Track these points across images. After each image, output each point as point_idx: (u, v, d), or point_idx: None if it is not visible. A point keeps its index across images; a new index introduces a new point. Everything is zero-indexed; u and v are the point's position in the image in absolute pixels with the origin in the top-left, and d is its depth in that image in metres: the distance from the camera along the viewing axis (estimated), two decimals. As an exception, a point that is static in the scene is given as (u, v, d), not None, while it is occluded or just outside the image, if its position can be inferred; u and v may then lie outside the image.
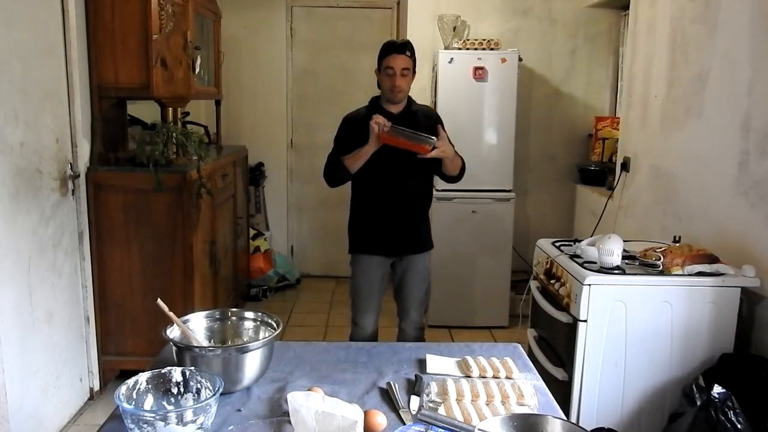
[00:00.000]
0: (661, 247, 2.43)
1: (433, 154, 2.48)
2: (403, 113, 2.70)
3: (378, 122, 2.48)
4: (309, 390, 1.26)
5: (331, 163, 2.70)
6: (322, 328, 4.18)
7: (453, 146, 2.63)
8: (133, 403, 1.21)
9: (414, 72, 2.66)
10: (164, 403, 1.26)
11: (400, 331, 2.84)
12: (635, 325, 2.26)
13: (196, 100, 4.11)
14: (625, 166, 3.53)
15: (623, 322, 2.26)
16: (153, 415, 1.15)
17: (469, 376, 1.47)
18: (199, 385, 1.26)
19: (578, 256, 2.45)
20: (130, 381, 1.23)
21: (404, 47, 2.63)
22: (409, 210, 2.76)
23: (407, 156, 2.52)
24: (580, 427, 1.10)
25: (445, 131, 2.65)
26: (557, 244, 2.69)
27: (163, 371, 1.27)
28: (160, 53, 3.03)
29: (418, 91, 4.49)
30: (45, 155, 2.69)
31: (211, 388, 1.24)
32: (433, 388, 1.40)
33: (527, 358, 1.61)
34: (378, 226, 2.75)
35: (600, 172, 4.24)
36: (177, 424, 1.13)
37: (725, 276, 2.24)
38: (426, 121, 2.69)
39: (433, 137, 2.46)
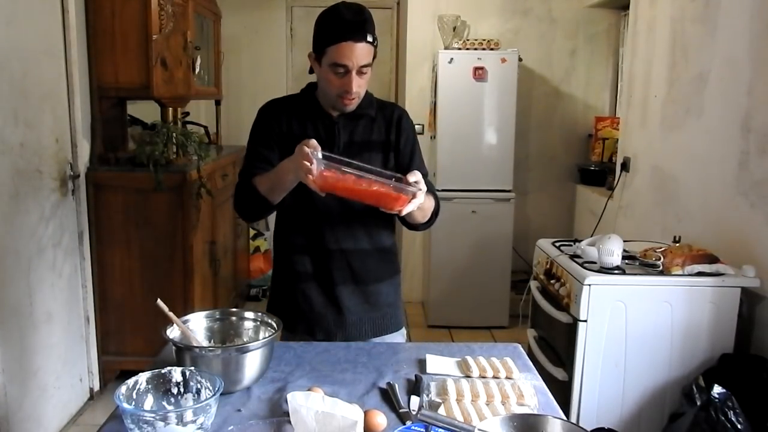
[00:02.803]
0: (661, 247, 2.43)
1: (410, 209, 1.50)
2: (346, 117, 1.71)
3: (305, 157, 1.43)
4: (309, 390, 1.26)
5: (242, 183, 1.70)
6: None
7: (426, 174, 1.66)
8: (133, 403, 1.21)
9: (373, 61, 1.63)
10: (164, 403, 1.25)
11: None
12: (635, 325, 2.26)
13: (196, 100, 4.11)
14: (625, 166, 3.53)
15: (623, 322, 2.26)
16: (153, 415, 1.14)
17: (469, 376, 1.47)
18: (199, 385, 1.26)
19: (578, 256, 2.45)
20: (130, 381, 1.23)
21: (364, 28, 1.57)
22: (362, 273, 1.75)
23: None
24: (580, 427, 1.10)
25: (417, 150, 1.79)
26: (557, 244, 2.69)
27: (163, 371, 1.27)
28: (160, 53, 3.03)
29: (418, 92, 4.50)
30: (45, 155, 2.69)
31: (211, 388, 1.24)
32: (433, 388, 1.40)
33: (527, 358, 1.61)
34: (309, 297, 1.75)
35: (600, 172, 4.24)
36: (177, 424, 1.13)
37: (725, 276, 2.24)
38: (383, 127, 1.75)
39: (411, 180, 1.49)
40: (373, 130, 1.74)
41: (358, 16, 1.58)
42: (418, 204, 1.51)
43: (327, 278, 1.74)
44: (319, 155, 1.43)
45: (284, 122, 1.72)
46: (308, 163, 1.42)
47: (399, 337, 1.84)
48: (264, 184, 1.63)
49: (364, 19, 1.59)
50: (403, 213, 1.50)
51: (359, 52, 1.57)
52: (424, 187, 1.51)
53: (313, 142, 1.47)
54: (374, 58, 1.64)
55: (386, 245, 1.81)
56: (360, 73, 1.60)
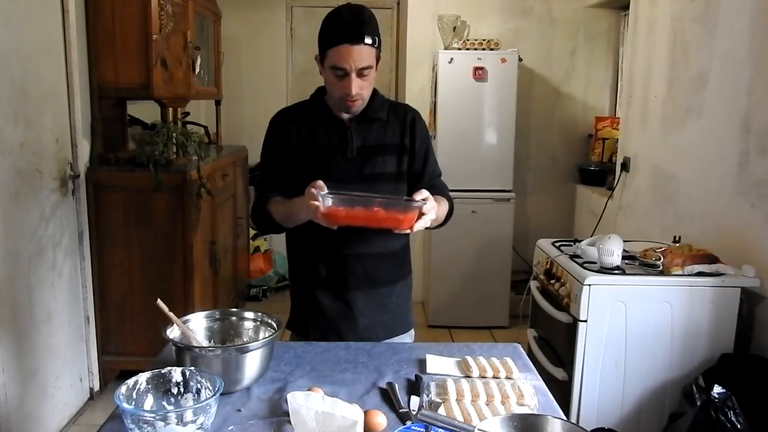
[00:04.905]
0: (661, 247, 2.43)
1: (420, 226, 1.51)
2: (358, 120, 1.71)
3: (312, 197, 1.47)
4: (309, 390, 1.26)
5: (258, 206, 1.74)
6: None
7: (439, 175, 1.82)
8: (133, 403, 1.21)
9: (378, 60, 1.63)
10: (164, 403, 1.25)
11: None
12: (635, 325, 2.26)
13: (196, 100, 4.11)
14: (625, 166, 3.53)
15: (623, 322, 2.26)
16: (153, 415, 1.15)
17: (469, 376, 1.47)
18: (199, 385, 1.26)
19: (578, 256, 2.45)
20: (130, 381, 1.23)
21: (361, 30, 1.56)
22: (376, 277, 1.76)
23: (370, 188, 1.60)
24: (580, 427, 1.10)
25: (430, 152, 1.81)
26: (557, 244, 2.69)
27: (163, 371, 1.27)
28: (160, 53, 3.03)
29: (418, 92, 4.50)
30: (45, 155, 2.69)
31: (211, 388, 1.24)
32: (433, 388, 1.40)
33: (527, 358, 1.61)
34: (322, 303, 1.77)
35: (600, 172, 4.24)
36: (177, 424, 1.13)
37: (725, 276, 2.24)
38: (396, 131, 1.75)
39: (418, 199, 1.50)
40: (387, 133, 1.73)
41: (356, 17, 1.57)
42: (430, 220, 1.52)
43: (341, 283, 1.73)
44: (324, 193, 1.48)
45: (294, 132, 1.71)
46: (315, 203, 1.46)
47: (408, 337, 1.85)
48: (278, 212, 1.68)
49: (362, 20, 1.56)
50: (415, 230, 1.51)
51: (356, 54, 1.55)
52: (432, 204, 1.52)
53: (320, 183, 1.49)
54: (378, 59, 1.62)
55: (400, 248, 1.81)
56: (361, 75, 1.59)
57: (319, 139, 1.70)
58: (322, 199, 1.47)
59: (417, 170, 1.76)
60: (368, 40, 1.56)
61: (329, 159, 1.69)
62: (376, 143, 1.71)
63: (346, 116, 1.71)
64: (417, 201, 1.49)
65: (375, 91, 1.72)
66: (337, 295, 1.74)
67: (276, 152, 1.74)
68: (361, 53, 1.56)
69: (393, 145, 1.73)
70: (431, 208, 1.51)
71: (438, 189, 1.76)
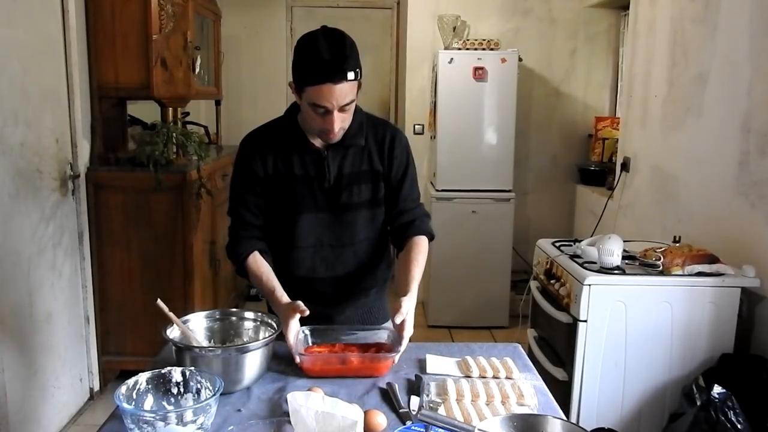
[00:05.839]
0: (661, 247, 2.43)
1: (399, 354, 1.50)
2: (334, 147, 1.63)
3: (288, 343, 1.48)
4: (309, 390, 1.26)
5: (234, 243, 1.68)
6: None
7: (417, 198, 1.74)
8: (133, 403, 1.21)
9: (360, 79, 1.52)
10: (164, 403, 1.26)
11: None
12: (635, 325, 2.26)
13: (196, 100, 4.11)
14: (625, 166, 3.53)
15: (623, 322, 2.26)
16: (153, 415, 1.15)
17: (469, 377, 1.47)
18: (199, 385, 1.26)
19: (578, 256, 2.45)
20: (130, 381, 1.23)
21: (343, 68, 1.45)
22: (353, 291, 1.75)
23: (351, 196, 1.64)
24: (580, 427, 1.10)
25: (408, 175, 1.71)
26: (557, 244, 2.69)
27: (163, 371, 1.27)
28: (160, 53, 3.03)
29: (418, 92, 4.51)
30: (45, 155, 2.69)
31: (211, 388, 1.24)
32: (433, 388, 1.40)
33: (527, 358, 1.61)
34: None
35: (600, 172, 4.24)
36: (177, 424, 1.13)
37: (725, 276, 2.24)
38: (374, 155, 1.67)
39: (391, 353, 1.49)
40: (363, 159, 1.66)
41: (337, 53, 1.45)
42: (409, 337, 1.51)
43: (317, 300, 1.68)
44: (302, 336, 1.54)
45: (269, 163, 1.64)
46: (290, 343, 1.47)
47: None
48: (255, 281, 1.64)
49: (344, 56, 1.45)
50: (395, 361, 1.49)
51: (339, 93, 1.46)
52: (410, 324, 1.50)
53: (300, 306, 1.48)
54: (359, 87, 1.54)
55: (381, 268, 1.78)
56: (342, 110, 1.50)
57: (295, 169, 1.64)
58: (300, 339, 1.52)
59: (391, 195, 1.70)
60: (351, 76, 1.46)
61: (305, 190, 1.64)
62: (352, 171, 1.65)
63: (321, 143, 1.63)
64: (392, 354, 1.49)
65: (357, 108, 1.62)
66: (313, 307, 1.60)
67: (248, 182, 1.66)
68: (344, 91, 1.47)
69: (369, 172, 1.66)
70: (410, 329, 1.50)
71: (411, 215, 1.70)
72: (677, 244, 2.46)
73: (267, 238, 1.70)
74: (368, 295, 1.78)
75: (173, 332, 1.44)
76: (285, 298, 1.57)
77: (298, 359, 1.47)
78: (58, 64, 2.81)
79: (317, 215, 1.66)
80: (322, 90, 1.45)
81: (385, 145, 1.68)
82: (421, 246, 1.69)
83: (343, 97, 1.47)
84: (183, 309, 2.24)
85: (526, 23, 4.52)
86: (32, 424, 2.59)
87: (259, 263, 1.64)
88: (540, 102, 4.63)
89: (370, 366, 1.49)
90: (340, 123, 1.53)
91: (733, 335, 2.25)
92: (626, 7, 3.79)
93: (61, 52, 2.82)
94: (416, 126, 4.57)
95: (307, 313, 1.48)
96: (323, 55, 1.44)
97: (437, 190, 4.09)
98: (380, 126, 1.71)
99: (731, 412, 1.95)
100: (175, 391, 1.27)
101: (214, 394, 1.19)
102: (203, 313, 1.57)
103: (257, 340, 1.47)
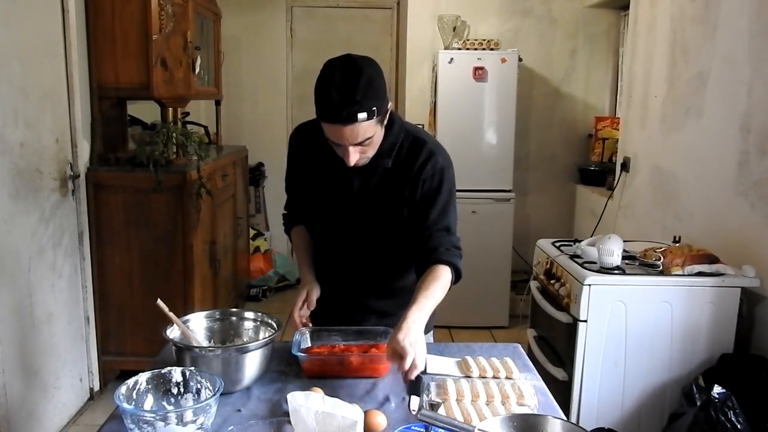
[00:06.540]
0: (661, 247, 2.43)
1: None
2: (365, 165, 1.54)
3: (294, 322, 1.57)
4: (309, 390, 1.26)
5: (287, 224, 1.82)
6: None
7: (447, 228, 1.59)
8: (133, 403, 1.21)
9: (384, 119, 1.46)
10: (164, 403, 1.26)
11: None
12: (635, 325, 2.26)
13: (196, 100, 4.11)
14: (625, 166, 3.53)
15: (623, 322, 2.26)
16: (153, 415, 1.15)
17: (469, 377, 1.47)
18: (199, 385, 1.26)
19: (578, 257, 2.45)
20: (130, 381, 1.23)
21: (353, 111, 1.36)
22: (387, 307, 1.70)
23: (376, 207, 1.59)
24: (580, 427, 1.10)
25: (438, 202, 1.58)
26: (557, 244, 2.69)
27: (163, 371, 1.27)
28: (160, 53, 3.03)
29: (418, 92, 4.51)
30: (45, 155, 2.69)
31: (211, 388, 1.24)
32: (433, 388, 1.40)
33: (527, 358, 1.61)
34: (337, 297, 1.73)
35: (600, 172, 4.24)
36: (177, 424, 1.13)
37: (725, 276, 2.24)
38: (401, 179, 1.57)
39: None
40: (389, 181, 1.57)
41: (347, 94, 1.35)
42: (420, 369, 1.32)
43: (347, 302, 1.72)
44: (306, 335, 1.59)
45: (312, 158, 1.65)
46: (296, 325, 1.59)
47: (428, 338, 1.74)
48: (294, 245, 1.78)
49: (354, 100, 1.35)
50: (411, 378, 1.31)
51: (350, 133, 1.38)
52: (421, 359, 1.32)
53: (312, 298, 1.62)
54: (384, 118, 1.45)
55: (404, 292, 1.63)
56: (360, 144, 1.43)
57: (326, 174, 1.61)
58: (298, 337, 1.56)
59: (416, 220, 1.58)
60: (362, 117, 1.36)
61: (330, 198, 1.62)
62: (376, 189, 1.58)
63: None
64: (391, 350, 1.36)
65: (389, 128, 1.53)
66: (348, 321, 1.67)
67: (297, 173, 1.72)
68: (355, 131, 1.38)
69: (393, 195, 1.57)
70: (420, 361, 1.32)
71: (435, 243, 1.54)
72: (677, 244, 2.46)
73: (310, 223, 1.74)
74: (392, 315, 1.64)
75: (173, 332, 1.44)
76: (309, 275, 1.68)
77: (300, 336, 1.55)
78: (58, 64, 2.81)
79: (340, 225, 1.63)
80: (333, 129, 1.40)
81: (415, 167, 1.56)
82: (437, 273, 1.51)
83: (356, 137, 1.40)
84: (183, 309, 2.24)
85: (526, 23, 4.52)
86: (32, 424, 2.59)
87: (299, 237, 1.76)
88: (540, 102, 4.63)
89: (370, 366, 1.49)
90: (358, 156, 1.46)
91: (733, 335, 2.25)
92: (626, 7, 3.79)
93: (61, 52, 2.82)
94: (417, 126, 4.56)
95: (313, 307, 1.61)
96: (333, 96, 1.36)
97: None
98: (417, 145, 1.59)
99: (731, 412, 1.95)
100: (175, 391, 1.27)
101: (214, 394, 1.19)
102: (203, 313, 1.57)
103: (257, 340, 1.47)
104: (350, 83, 1.37)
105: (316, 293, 1.61)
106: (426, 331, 1.65)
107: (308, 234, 1.74)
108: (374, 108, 1.39)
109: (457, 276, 1.57)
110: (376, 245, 1.62)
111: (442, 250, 1.54)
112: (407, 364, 1.29)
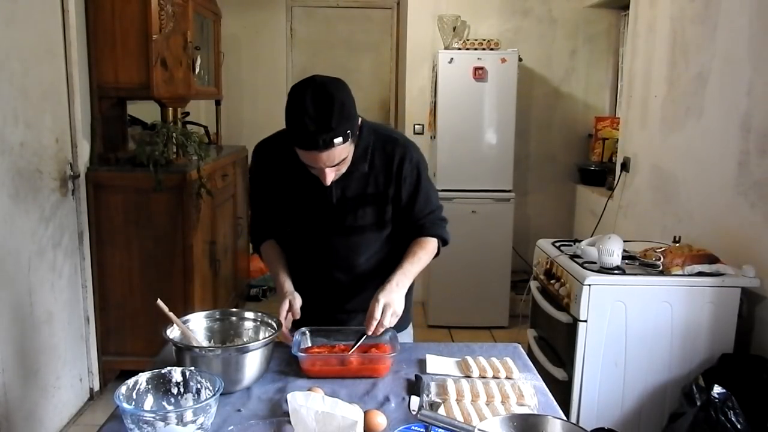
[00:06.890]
0: (661, 247, 2.43)
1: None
2: (342, 179, 1.58)
3: (285, 335, 1.56)
4: (309, 390, 1.26)
5: (254, 239, 1.81)
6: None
7: (432, 211, 1.72)
8: (133, 403, 1.21)
9: (354, 137, 1.48)
10: (164, 403, 1.26)
11: None
12: (635, 325, 2.26)
13: (196, 100, 4.11)
14: (625, 166, 3.53)
15: (623, 322, 2.26)
16: (153, 415, 1.15)
17: (469, 377, 1.47)
18: (199, 386, 1.26)
19: (578, 256, 2.45)
20: (130, 381, 1.23)
21: (329, 138, 1.40)
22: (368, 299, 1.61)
23: (359, 202, 1.63)
24: (580, 427, 1.10)
25: (420, 193, 1.68)
26: (557, 244, 2.69)
27: (163, 371, 1.27)
28: (160, 53, 3.03)
29: (418, 92, 4.50)
30: (45, 155, 2.69)
31: (211, 388, 1.24)
32: (433, 388, 1.40)
33: (527, 358, 1.61)
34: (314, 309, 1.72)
35: (600, 172, 4.24)
36: (177, 424, 1.13)
37: (725, 276, 2.24)
38: (380, 178, 1.63)
39: (391, 353, 1.50)
40: (368, 183, 1.62)
41: (323, 123, 1.38)
42: (386, 326, 1.52)
43: (333, 306, 1.75)
44: (300, 337, 1.57)
45: (280, 172, 1.65)
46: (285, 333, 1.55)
47: (406, 336, 1.81)
48: (265, 261, 1.76)
49: (330, 127, 1.38)
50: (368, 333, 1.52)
51: (327, 157, 1.43)
52: (375, 316, 1.50)
53: (295, 308, 1.59)
54: (355, 137, 1.49)
55: (382, 264, 1.72)
56: (334, 168, 1.47)
57: (300, 187, 1.62)
58: (299, 337, 1.55)
59: (402, 214, 1.68)
60: (338, 141, 1.40)
61: (309, 209, 1.64)
62: (356, 194, 1.61)
63: None
64: (391, 355, 1.50)
65: (359, 135, 1.56)
66: (328, 314, 1.73)
67: (263, 188, 1.73)
68: (332, 155, 1.43)
69: (374, 195, 1.62)
70: (379, 317, 1.51)
71: (422, 222, 1.69)
72: (677, 244, 2.46)
73: (282, 237, 1.75)
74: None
75: (173, 332, 1.44)
76: (287, 285, 1.65)
77: (293, 339, 1.53)
78: (58, 64, 2.81)
79: (322, 234, 1.66)
80: (309, 155, 1.44)
81: (393, 167, 1.62)
82: (424, 243, 1.67)
83: (332, 160, 1.45)
84: (183, 309, 2.24)
85: (526, 23, 4.52)
86: (32, 424, 2.59)
87: (271, 249, 1.74)
88: (540, 102, 4.63)
89: (370, 366, 1.49)
90: (334, 175, 1.50)
91: (733, 335, 2.25)
92: (626, 7, 3.79)
93: (61, 51, 2.82)
94: (416, 126, 4.56)
95: (298, 316, 1.58)
96: (308, 127, 1.38)
97: (437, 190, 4.08)
98: (389, 145, 1.63)
99: (731, 412, 1.95)
100: (175, 391, 1.27)
101: (214, 394, 1.19)
102: (203, 313, 1.57)
103: (257, 340, 1.47)
104: (324, 111, 1.39)
105: (298, 302, 1.60)
106: (403, 329, 1.75)
107: (279, 247, 1.74)
108: (348, 131, 1.43)
109: (443, 242, 1.75)
110: (359, 248, 1.67)
111: (428, 225, 1.70)
112: (372, 325, 1.50)
